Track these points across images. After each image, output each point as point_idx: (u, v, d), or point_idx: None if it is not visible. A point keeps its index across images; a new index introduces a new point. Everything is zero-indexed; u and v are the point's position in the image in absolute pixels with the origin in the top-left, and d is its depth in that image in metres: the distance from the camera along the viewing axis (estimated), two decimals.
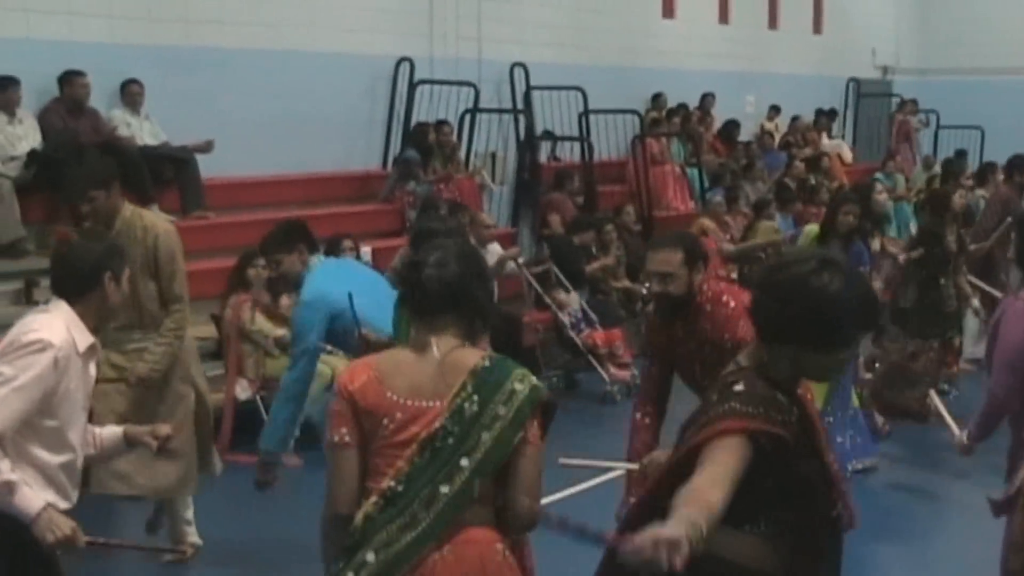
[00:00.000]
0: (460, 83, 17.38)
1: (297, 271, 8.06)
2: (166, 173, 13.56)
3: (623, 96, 20.05)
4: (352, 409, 4.57)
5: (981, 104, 27.94)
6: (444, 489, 4.56)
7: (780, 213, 18.76)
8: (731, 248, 17.00)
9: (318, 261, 8.17)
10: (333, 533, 4.62)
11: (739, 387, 4.06)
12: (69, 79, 12.96)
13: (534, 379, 4.75)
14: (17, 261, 11.83)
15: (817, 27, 27.67)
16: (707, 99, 22.72)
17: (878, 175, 22.53)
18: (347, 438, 4.56)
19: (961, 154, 26.27)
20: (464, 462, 4.58)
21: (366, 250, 13.01)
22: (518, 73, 18.75)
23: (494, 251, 14.13)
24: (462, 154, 17.21)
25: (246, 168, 14.43)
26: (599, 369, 13.88)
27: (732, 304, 6.50)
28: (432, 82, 17.10)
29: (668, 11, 22.83)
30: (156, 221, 8.47)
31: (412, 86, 16.93)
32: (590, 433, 11.46)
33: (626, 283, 15.73)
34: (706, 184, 20.10)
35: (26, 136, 12.49)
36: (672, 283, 6.46)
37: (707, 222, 18.01)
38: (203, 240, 12.62)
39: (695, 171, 20.43)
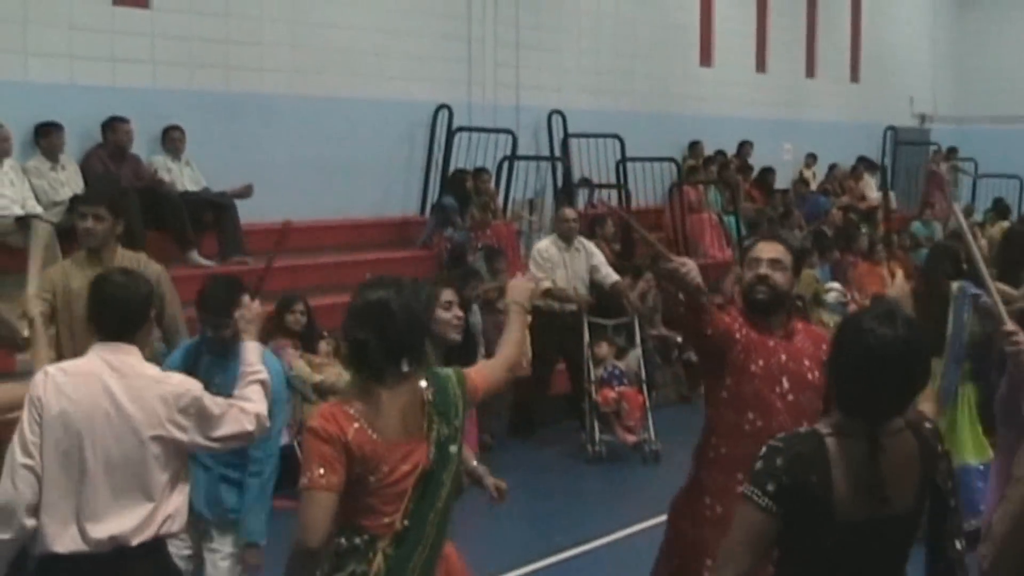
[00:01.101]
0: (498, 130, 17.44)
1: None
2: (206, 218, 13.61)
3: (660, 143, 20.07)
4: (346, 455, 4.78)
5: (1020, 153, 27.88)
6: (439, 505, 5.00)
7: (819, 261, 18.73)
8: None
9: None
10: (302, 568, 4.82)
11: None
12: (112, 125, 13.11)
13: (451, 373, 5.24)
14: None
15: (854, 75, 27.64)
16: (744, 147, 22.71)
17: (915, 224, 22.53)
18: (330, 479, 4.76)
19: (999, 203, 26.28)
20: (443, 477, 5.01)
21: None
22: (556, 120, 18.79)
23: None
24: (499, 200, 17.24)
25: (285, 213, 14.34)
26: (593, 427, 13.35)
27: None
28: (470, 129, 17.14)
29: (706, 59, 22.86)
30: (152, 261, 8.34)
31: (450, 133, 16.95)
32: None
33: (662, 331, 15.69)
34: (743, 232, 20.09)
35: (68, 182, 12.56)
36: (779, 271, 6.18)
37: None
38: None
39: (732, 219, 20.41)
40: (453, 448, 5.01)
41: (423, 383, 5.03)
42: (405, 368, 4.95)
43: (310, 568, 4.82)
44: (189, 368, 6.54)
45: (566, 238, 14.04)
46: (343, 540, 4.89)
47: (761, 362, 6.09)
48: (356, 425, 4.82)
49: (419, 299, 5.15)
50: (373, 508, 4.86)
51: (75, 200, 8.68)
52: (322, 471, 4.75)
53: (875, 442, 4.17)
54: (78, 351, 6.36)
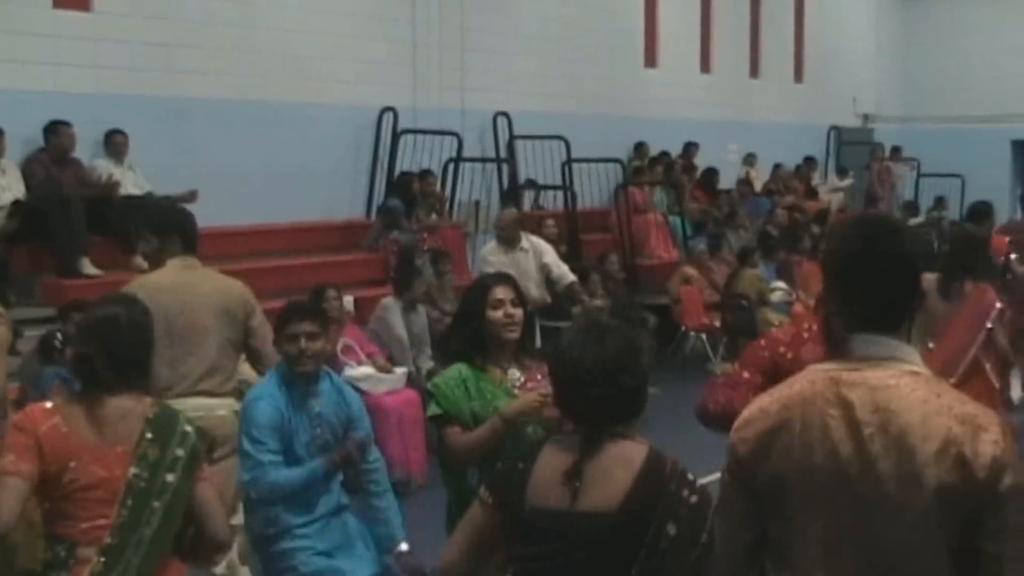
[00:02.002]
0: (443, 132, 17.44)
1: (327, 351, 7.69)
2: None
3: (606, 145, 20.11)
4: (38, 448, 4.92)
5: (962, 153, 28.10)
6: (147, 532, 4.99)
7: (763, 261, 18.86)
8: None
9: None
10: None
11: None
12: (55, 129, 13.03)
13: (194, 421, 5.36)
14: None
15: (798, 76, 27.84)
16: (690, 148, 22.80)
17: None
18: (19, 466, 4.88)
19: (940, 201, 26.53)
20: (156, 503, 5.01)
21: (348, 299, 13.00)
22: (501, 122, 18.82)
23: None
24: (446, 203, 17.30)
25: (230, 218, 14.42)
26: None
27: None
28: (415, 132, 17.13)
29: (651, 60, 22.97)
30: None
31: (396, 136, 16.96)
32: None
33: None
34: (689, 232, 20.20)
35: (10, 187, 12.52)
36: None
37: (690, 270, 18.17)
38: None
39: (678, 219, 20.52)
40: (170, 477, 5.03)
41: (148, 400, 5.15)
42: (127, 380, 5.09)
43: None
44: None
45: (508, 240, 13.91)
46: (48, 553, 4.98)
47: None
48: (52, 421, 4.96)
49: (148, 317, 5.32)
50: (71, 514, 4.94)
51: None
52: (13, 458, 4.88)
53: (588, 440, 4.21)
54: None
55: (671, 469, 4.21)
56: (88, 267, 12.57)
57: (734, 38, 25.47)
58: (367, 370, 11.96)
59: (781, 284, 18.54)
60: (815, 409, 3.58)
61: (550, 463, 4.22)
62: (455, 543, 4.45)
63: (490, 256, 13.85)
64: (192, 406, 6.90)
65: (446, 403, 5.79)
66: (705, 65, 24.64)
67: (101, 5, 13.91)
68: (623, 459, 4.18)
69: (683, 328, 17.96)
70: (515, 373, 5.81)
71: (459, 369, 5.85)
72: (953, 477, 3.41)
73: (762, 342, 6.51)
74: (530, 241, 14.05)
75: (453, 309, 12.63)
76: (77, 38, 13.70)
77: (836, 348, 3.71)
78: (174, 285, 7.58)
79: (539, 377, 5.74)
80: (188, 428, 5.16)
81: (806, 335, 6.15)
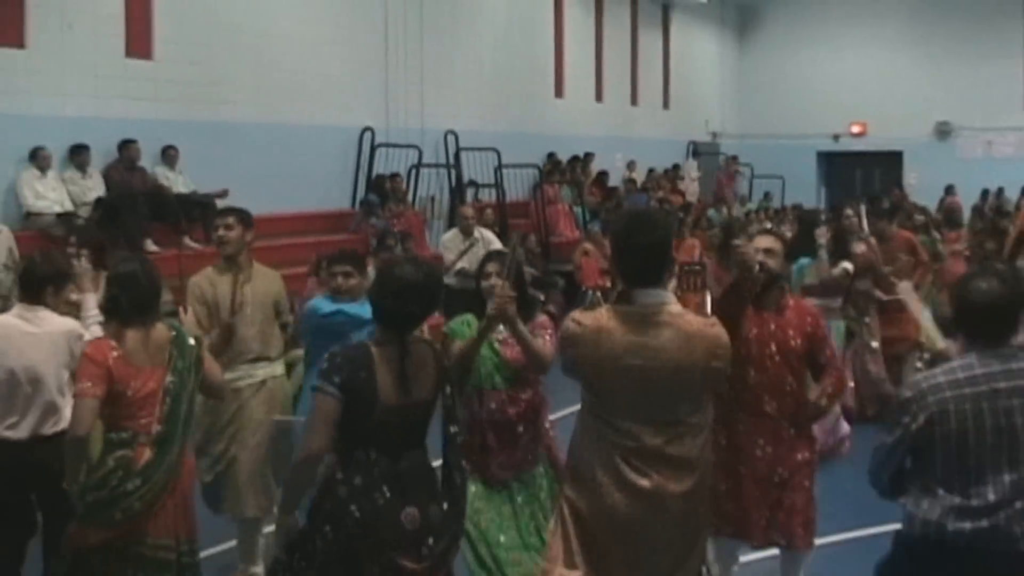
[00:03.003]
0: (408, 146, 17.47)
1: (357, 291, 6.80)
2: (194, 213, 13.62)
3: (527, 154, 20.11)
4: (107, 374, 5.03)
5: (782, 160, 28.38)
6: (182, 420, 5.21)
7: None
8: None
9: None
10: (73, 453, 5.14)
11: None
12: (125, 145, 13.10)
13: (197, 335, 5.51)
14: None
15: (666, 103, 27.77)
16: (588, 156, 22.79)
17: (711, 211, 22.86)
18: (95, 390, 5.01)
19: (767, 195, 26.83)
20: (183, 395, 5.21)
21: None
22: (450, 138, 18.81)
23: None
24: (410, 197, 17.33)
25: (252, 208, 14.25)
26: None
27: (813, 305, 6.16)
28: (387, 145, 17.19)
29: (559, 92, 22.95)
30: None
31: (373, 148, 17.02)
32: None
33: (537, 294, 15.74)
34: (587, 218, 20.32)
35: (94, 188, 12.61)
36: (772, 259, 5.88)
37: (588, 245, 18.24)
38: (220, 262, 12.50)
39: (580, 209, 20.64)
40: (191, 378, 5.24)
41: (165, 328, 5.25)
42: (146, 317, 5.18)
43: (78, 451, 5.10)
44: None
45: (465, 231, 13.41)
46: (112, 435, 5.13)
47: (755, 331, 5.81)
48: (116, 353, 5.07)
49: (157, 272, 5.39)
50: (131, 414, 5.10)
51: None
52: (89, 384, 5.00)
53: (404, 348, 4.41)
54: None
55: (440, 352, 4.74)
56: (150, 245, 12.64)
57: (619, 76, 25.46)
58: None
59: None
60: (617, 334, 4.31)
61: (384, 369, 4.36)
62: (317, 432, 4.33)
63: (448, 242, 13.60)
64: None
65: (456, 335, 5.70)
66: (599, 96, 24.66)
67: (160, 55, 13.94)
68: (426, 360, 4.52)
69: (583, 287, 18.02)
70: (500, 327, 5.58)
71: (466, 318, 5.77)
72: (697, 363, 4.31)
73: None
74: (481, 232, 13.51)
75: None
76: (142, 79, 13.70)
77: (624, 297, 4.37)
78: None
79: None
80: (192, 341, 5.31)
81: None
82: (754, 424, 5.85)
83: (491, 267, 5.78)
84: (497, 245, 13.06)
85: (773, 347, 5.82)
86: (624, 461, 4.32)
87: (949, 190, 26.11)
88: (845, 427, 9.53)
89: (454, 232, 13.77)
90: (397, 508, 4.37)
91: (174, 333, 5.25)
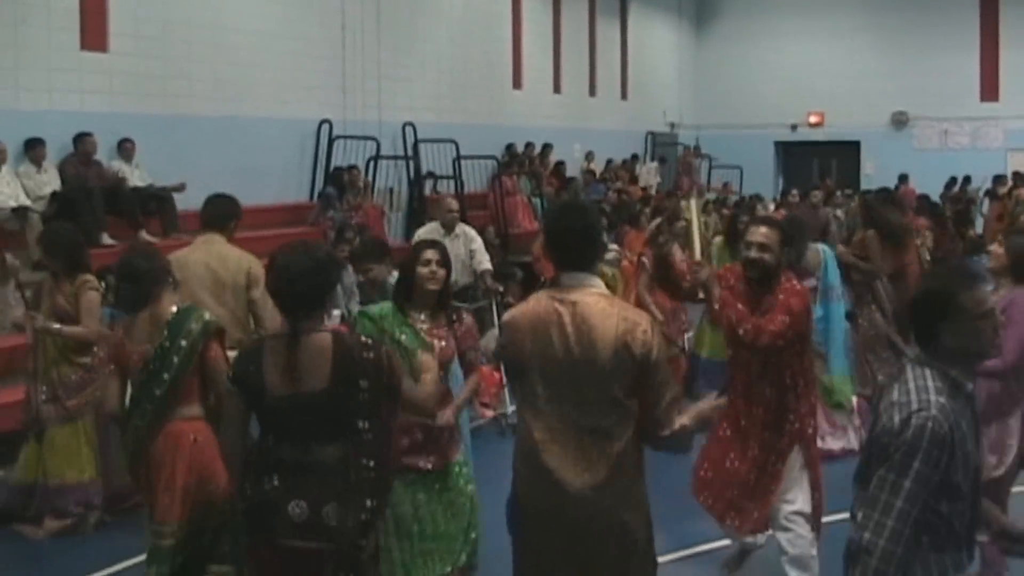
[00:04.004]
0: (366, 138, 17.50)
1: (384, 278, 7.55)
2: (151, 206, 13.60)
3: (485, 145, 20.17)
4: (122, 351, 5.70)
5: (740, 150, 28.60)
6: (157, 391, 5.54)
7: (603, 230, 19.07)
8: None
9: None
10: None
11: None
12: (81, 139, 13.04)
13: (206, 315, 5.69)
14: (44, 273, 11.76)
15: (624, 94, 27.88)
16: (546, 147, 22.86)
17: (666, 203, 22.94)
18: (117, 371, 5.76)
19: (726, 185, 27.01)
20: (165, 375, 5.53)
21: None
22: (408, 130, 18.84)
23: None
24: (368, 190, 17.33)
25: None
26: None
27: (800, 287, 6.11)
28: (345, 137, 17.21)
29: (517, 84, 23.03)
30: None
31: (331, 140, 17.03)
32: None
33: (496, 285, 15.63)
34: (546, 208, 20.33)
35: (49, 182, 12.51)
36: (768, 253, 5.89)
37: None
38: None
39: (538, 200, 20.69)
40: (175, 358, 5.52)
41: (171, 308, 5.66)
42: (147, 300, 5.67)
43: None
44: None
45: (447, 226, 12.02)
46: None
47: (750, 325, 5.91)
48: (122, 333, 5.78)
49: (157, 261, 5.80)
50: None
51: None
52: (114, 367, 5.82)
53: (295, 337, 4.34)
54: None
55: (350, 344, 4.38)
56: (107, 239, 12.61)
57: (577, 67, 25.55)
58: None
59: (613, 246, 18.76)
60: (542, 317, 4.32)
61: (272, 360, 4.35)
62: (230, 426, 4.55)
63: (426, 236, 11.66)
64: None
65: (360, 327, 5.74)
66: (556, 87, 24.72)
67: (115, 48, 13.87)
68: (317, 350, 4.32)
69: (542, 278, 17.99)
70: (423, 318, 5.66)
71: (383, 306, 5.78)
72: (621, 353, 4.20)
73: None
74: (464, 229, 12.26)
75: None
76: (97, 72, 13.65)
77: (553, 282, 4.41)
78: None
79: (443, 329, 5.71)
80: (194, 325, 5.58)
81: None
82: (744, 404, 6.08)
83: (430, 254, 5.77)
84: (479, 244, 12.27)
85: (765, 340, 5.88)
86: (539, 447, 4.29)
87: (903, 179, 26.39)
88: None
89: (433, 226, 12.21)
90: (285, 498, 4.29)
91: (174, 315, 5.63)
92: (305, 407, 4.33)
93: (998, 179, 26.58)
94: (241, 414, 4.49)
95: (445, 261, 5.80)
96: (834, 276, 9.43)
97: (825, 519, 6.00)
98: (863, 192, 19.28)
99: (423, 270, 5.74)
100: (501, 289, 14.53)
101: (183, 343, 5.53)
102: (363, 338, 4.50)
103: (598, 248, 4.48)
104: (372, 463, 4.35)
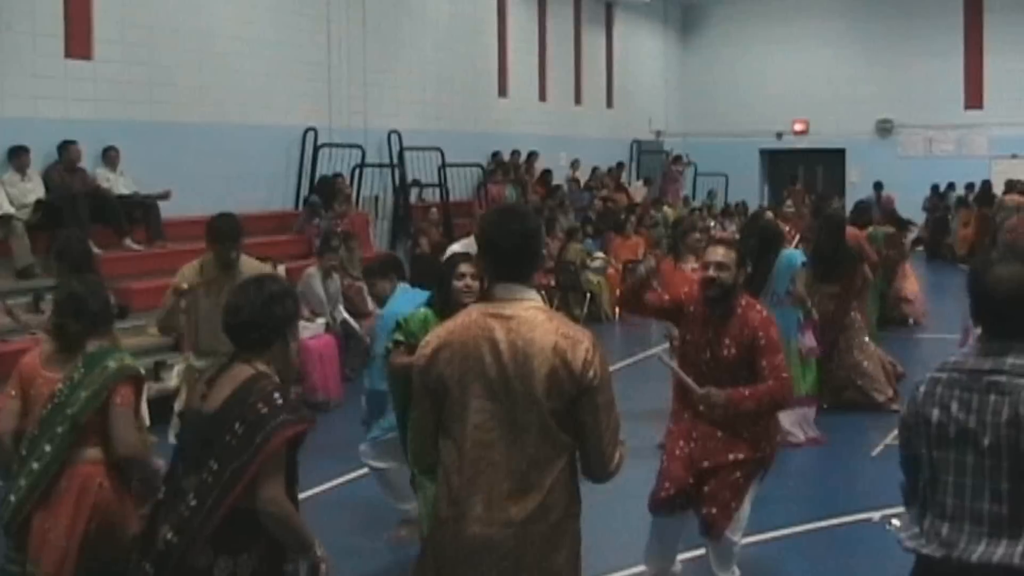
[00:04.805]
0: (351, 145, 17.51)
1: (386, 294, 7.58)
2: (136, 214, 13.59)
3: (470, 153, 20.25)
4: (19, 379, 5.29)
5: (726, 158, 28.68)
6: (59, 430, 5.08)
7: (590, 238, 19.20)
8: None
9: (400, 287, 7.61)
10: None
11: None
12: (65, 146, 13.00)
13: (127, 360, 5.27)
14: (28, 281, 11.74)
15: (610, 103, 27.92)
16: (532, 156, 22.89)
17: (652, 211, 23.03)
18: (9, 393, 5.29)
19: (711, 193, 27.09)
20: (68, 411, 5.07)
21: (281, 268, 12.90)
22: (394, 137, 18.84)
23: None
24: (353, 197, 17.36)
25: (195, 210, 14.28)
26: None
27: (763, 312, 6.15)
28: (331, 145, 17.22)
29: (503, 91, 23.06)
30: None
31: (316, 148, 17.03)
32: None
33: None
34: None
35: (34, 189, 12.48)
36: (725, 272, 6.01)
37: None
38: (162, 263, 12.40)
39: None
40: (83, 394, 5.09)
41: (101, 343, 5.30)
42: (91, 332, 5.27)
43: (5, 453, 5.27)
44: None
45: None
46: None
47: (692, 336, 6.15)
48: (33, 357, 5.36)
49: (102, 289, 5.47)
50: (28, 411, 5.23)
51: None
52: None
53: (228, 362, 4.24)
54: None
55: (260, 387, 4.12)
56: (92, 247, 12.54)
57: (563, 75, 25.59)
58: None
59: (600, 254, 18.90)
60: (471, 332, 3.84)
61: (201, 381, 4.37)
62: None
63: (461, 250, 10.29)
64: None
65: (405, 334, 5.81)
66: (542, 95, 24.75)
67: (100, 55, 13.83)
68: (233, 377, 4.17)
69: None
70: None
71: (425, 313, 5.86)
72: (559, 373, 3.75)
73: (686, 288, 6.83)
74: None
75: (359, 276, 12.67)
76: (82, 79, 13.62)
77: (486, 294, 4.02)
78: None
79: None
80: (112, 364, 5.16)
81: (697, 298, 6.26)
82: (691, 418, 6.15)
83: (465, 268, 5.84)
84: None
85: (708, 353, 6.03)
86: (462, 476, 3.86)
87: (878, 186, 26.60)
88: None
89: (468, 241, 10.67)
90: (158, 521, 4.17)
91: (94, 350, 5.23)
92: (194, 424, 4.28)
93: (969, 187, 26.81)
94: None
95: (480, 274, 5.74)
96: (781, 285, 9.53)
97: (833, 521, 5.95)
98: (818, 198, 19.09)
99: (458, 283, 5.84)
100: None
101: (96, 379, 5.11)
102: (277, 393, 4.14)
103: (537, 259, 4.02)
104: (195, 504, 4.08)
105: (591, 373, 3.77)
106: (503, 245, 3.89)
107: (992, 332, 3.68)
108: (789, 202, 17.66)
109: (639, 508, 6.28)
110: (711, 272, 6.03)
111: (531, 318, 3.83)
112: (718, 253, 6.08)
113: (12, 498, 5.10)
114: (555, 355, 3.76)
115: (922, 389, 3.73)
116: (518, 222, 3.94)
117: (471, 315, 3.91)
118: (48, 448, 5.05)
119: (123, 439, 5.07)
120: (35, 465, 5.05)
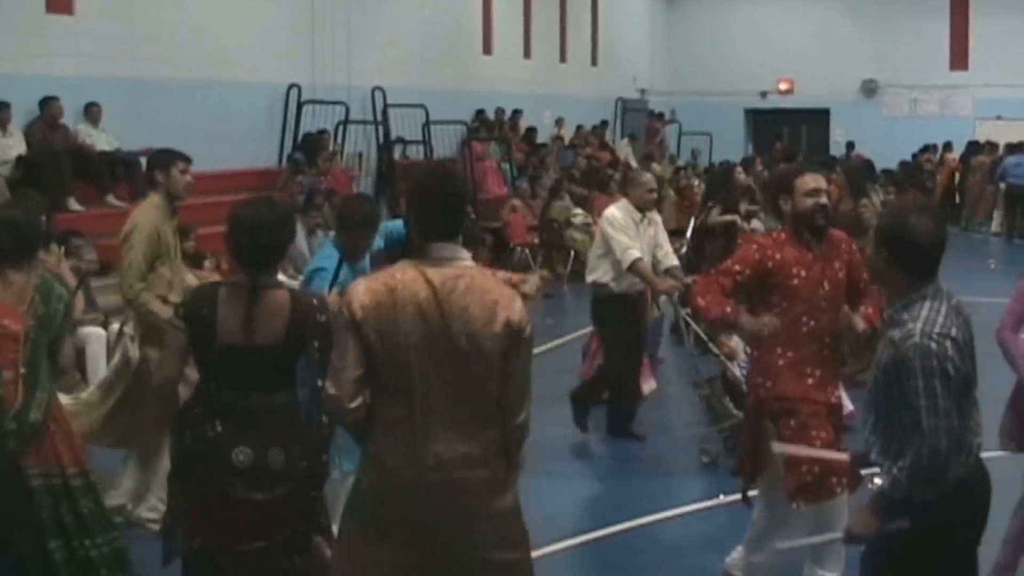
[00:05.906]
0: (335, 102, 17.48)
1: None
2: (118, 171, 13.56)
3: (455, 111, 20.19)
4: None
5: (710, 117, 28.64)
6: (43, 363, 5.31)
7: (568, 194, 19.21)
8: None
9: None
10: None
11: None
12: (47, 103, 12.98)
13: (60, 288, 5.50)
14: None
15: (594, 60, 27.88)
16: (516, 113, 22.93)
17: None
18: None
19: (695, 152, 27.07)
20: (44, 340, 5.27)
21: None
22: (378, 94, 18.79)
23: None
24: (338, 154, 17.34)
25: None
26: None
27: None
28: (314, 102, 17.17)
29: (487, 49, 23.02)
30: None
31: (299, 105, 17.00)
32: None
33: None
34: (515, 174, 20.44)
35: (15, 146, 12.48)
36: (826, 197, 5.63)
37: (516, 202, 18.45)
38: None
39: (507, 165, 20.73)
40: (51, 324, 5.28)
41: (34, 275, 5.34)
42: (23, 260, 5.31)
43: None
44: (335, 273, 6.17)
45: (643, 206, 8.72)
46: None
47: (804, 273, 5.53)
48: None
49: (37, 219, 5.60)
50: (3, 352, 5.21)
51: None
52: None
53: (254, 290, 4.46)
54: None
55: (304, 304, 4.54)
56: (73, 204, 12.63)
57: (548, 33, 25.51)
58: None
59: (580, 211, 18.89)
60: (409, 289, 3.83)
61: (227, 308, 4.47)
62: (167, 362, 4.68)
63: (617, 222, 8.61)
64: None
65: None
66: (527, 52, 24.70)
67: (81, 9, 13.78)
68: (274, 305, 4.48)
69: (511, 243, 18.20)
70: None
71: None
72: (497, 327, 3.83)
73: (753, 245, 5.74)
74: (655, 216, 8.92)
75: None
76: (63, 35, 13.56)
77: (418, 253, 3.98)
78: None
79: None
80: (61, 290, 5.46)
81: (781, 241, 5.64)
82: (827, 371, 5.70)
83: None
84: (665, 235, 9.11)
85: (825, 287, 5.59)
86: (400, 425, 3.92)
87: (850, 146, 26.64)
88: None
89: (624, 206, 8.82)
90: (228, 444, 4.41)
91: (38, 281, 5.36)
92: (256, 358, 4.47)
93: (947, 146, 26.81)
94: (182, 351, 4.59)
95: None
96: None
97: None
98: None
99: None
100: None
101: (57, 312, 5.36)
102: (315, 300, 4.60)
103: (466, 219, 4.13)
104: (325, 419, 4.47)
105: (528, 328, 3.90)
106: (438, 205, 3.95)
107: None
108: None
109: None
110: (823, 199, 5.59)
111: (469, 276, 3.90)
112: (818, 180, 5.62)
113: (18, 432, 5.23)
114: (497, 310, 3.84)
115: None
116: (450, 182, 4.02)
117: (407, 272, 3.91)
118: (46, 384, 5.32)
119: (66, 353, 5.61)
120: (39, 400, 5.28)
